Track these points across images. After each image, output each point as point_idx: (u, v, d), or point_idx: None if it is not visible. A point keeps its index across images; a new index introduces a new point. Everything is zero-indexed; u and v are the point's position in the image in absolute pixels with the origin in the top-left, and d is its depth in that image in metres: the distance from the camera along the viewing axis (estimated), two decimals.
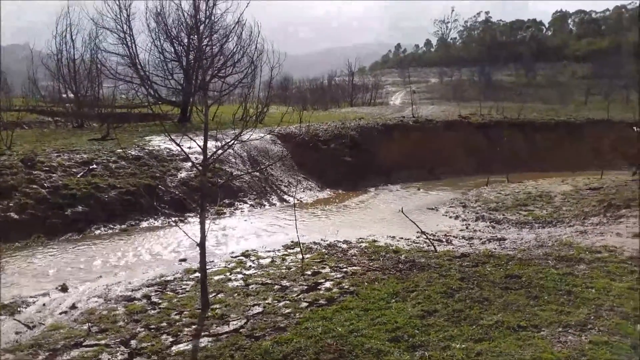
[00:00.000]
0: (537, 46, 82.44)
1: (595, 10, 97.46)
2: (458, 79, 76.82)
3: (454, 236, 9.74)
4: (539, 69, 74.43)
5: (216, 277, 6.76)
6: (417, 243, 8.99)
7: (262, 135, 17.80)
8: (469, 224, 10.97)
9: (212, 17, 22.27)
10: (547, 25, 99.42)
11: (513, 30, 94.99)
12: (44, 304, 6.14)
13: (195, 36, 22.34)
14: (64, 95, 25.12)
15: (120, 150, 13.78)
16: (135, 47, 22.85)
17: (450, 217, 11.98)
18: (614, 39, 75.23)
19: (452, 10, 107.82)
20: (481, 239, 9.28)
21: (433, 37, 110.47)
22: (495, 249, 8.16)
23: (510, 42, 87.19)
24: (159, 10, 22.61)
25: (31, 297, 6.39)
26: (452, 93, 62.42)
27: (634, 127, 18.13)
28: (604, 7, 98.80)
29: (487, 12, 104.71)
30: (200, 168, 6.16)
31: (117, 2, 22.08)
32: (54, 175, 11.52)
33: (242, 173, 14.86)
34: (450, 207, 13.08)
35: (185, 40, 23.26)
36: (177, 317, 5.41)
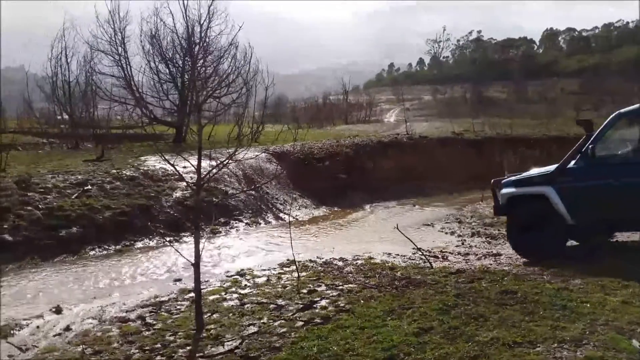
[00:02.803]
0: (528, 63, 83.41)
1: (585, 29, 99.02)
2: (451, 96, 77.47)
3: (449, 252, 9.74)
4: (530, 86, 75.17)
5: (211, 297, 6.73)
6: (413, 259, 8.99)
7: (257, 154, 17.86)
8: (465, 240, 10.98)
9: (207, 39, 22.56)
10: (537, 43, 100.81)
11: (504, 48, 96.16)
12: (37, 326, 6.08)
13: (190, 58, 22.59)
14: (59, 117, 25.22)
15: (115, 170, 13.78)
16: (130, 69, 23.07)
17: (446, 233, 12.00)
18: (603, 57, 76.34)
19: (444, 30, 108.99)
20: (477, 255, 9.29)
21: (426, 55, 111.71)
22: (491, 264, 8.16)
23: (502, 60, 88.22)
24: (153, 33, 22.88)
25: (24, 319, 6.33)
26: (446, 110, 62.83)
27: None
28: (593, 25, 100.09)
29: (479, 31, 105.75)
30: (194, 188, 6.19)
31: (112, 25, 22.34)
32: (49, 196, 11.49)
33: (237, 192, 14.86)
34: (446, 222, 13.10)
35: (180, 62, 23.49)
36: (172, 338, 5.36)
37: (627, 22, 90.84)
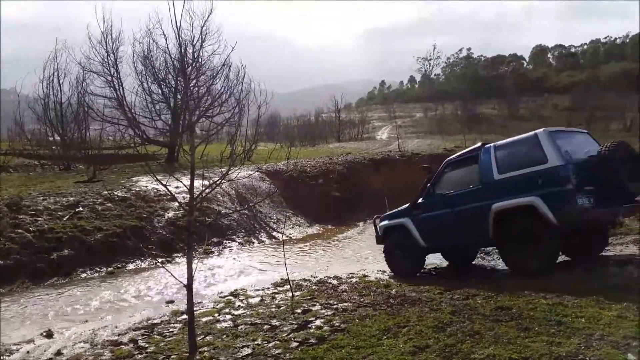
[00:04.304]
0: (519, 80, 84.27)
1: (573, 45, 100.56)
2: (442, 114, 78.07)
3: (443, 268, 9.72)
4: (521, 102, 75.86)
5: (204, 319, 6.66)
6: (407, 277, 8.95)
7: (250, 172, 17.85)
8: None
9: (199, 60, 22.67)
10: (527, 60, 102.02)
11: (495, 65, 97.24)
12: (28, 352, 5.98)
13: (182, 78, 22.65)
14: (51, 138, 25.12)
15: (107, 192, 13.71)
16: (123, 90, 23.09)
17: None
18: (592, 72, 77.40)
19: (434, 48, 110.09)
20: (471, 271, 9.28)
21: (417, 73, 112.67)
22: (486, 280, 8.13)
23: (492, 77, 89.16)
24: (146, 53, 22.98)
25: (15, 344, 6.22)
26: (437, 127, 63.38)
27: None
28: (581, 41, 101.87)
29: (469, 49, 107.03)
30: (187, 208, 6.17)
31: (105, 46, 22.43)
32: (40, 219, 11.40)
33: (231, 211, 14.81)
34: None
35: (173, 82, 23.56)
36: None
37: (615, 39, 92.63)
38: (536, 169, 7.24)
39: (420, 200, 8.97)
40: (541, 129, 7.56)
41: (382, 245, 9.74)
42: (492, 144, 8.10)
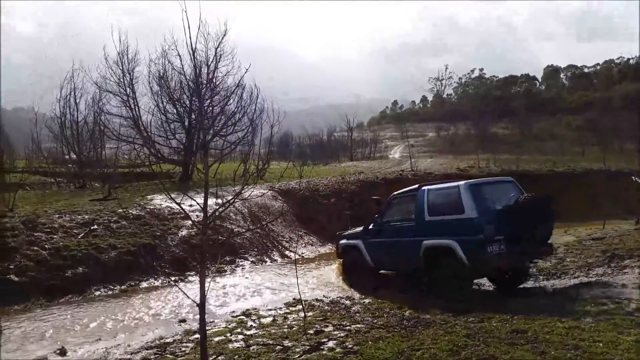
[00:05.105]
0: (531, 100, 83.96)
1: (586, 65, 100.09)
2: (455, 133, 77.87)
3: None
4: (534, 122, 75.46)
5: (216, 338, 6.64)
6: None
7: (263, 192, 17.91)
8: None
9: (214, 80, 22.93)
10: (539, 80, 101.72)
11: (507, 85, 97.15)
12: None
13: (197, 98, 22.91)
14: (67, 157, 25.49)
15: (122, 210, 13.82)
16: (138, 109, 23.41)
17: None
18: (605, 92, 76.92)
19: (446, 68, 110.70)
20: (480, 289, 9.20)
21: (429, 93, 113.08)
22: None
23: (505, 97, 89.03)
24: (161, 74, 23.32)
25: None
26: (450, 146, 63.23)
27: (632, 177, 18.29)
28: (594, 62, 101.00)
29: (481, 69, 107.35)
30: (200, 226, 6.20)
31: (121, 66, 22.83)
32: (55, 236, 11.51)
33: (243, 230, 14.83)
34: None
35: (188, 102, 23.85)
36: None
37: (628, 59, 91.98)
38: (455, 217, 8.46)
39: (371, 227, 10.20)
40: (463, 182, 8.74)
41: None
42: (426, 187, 9.31)
